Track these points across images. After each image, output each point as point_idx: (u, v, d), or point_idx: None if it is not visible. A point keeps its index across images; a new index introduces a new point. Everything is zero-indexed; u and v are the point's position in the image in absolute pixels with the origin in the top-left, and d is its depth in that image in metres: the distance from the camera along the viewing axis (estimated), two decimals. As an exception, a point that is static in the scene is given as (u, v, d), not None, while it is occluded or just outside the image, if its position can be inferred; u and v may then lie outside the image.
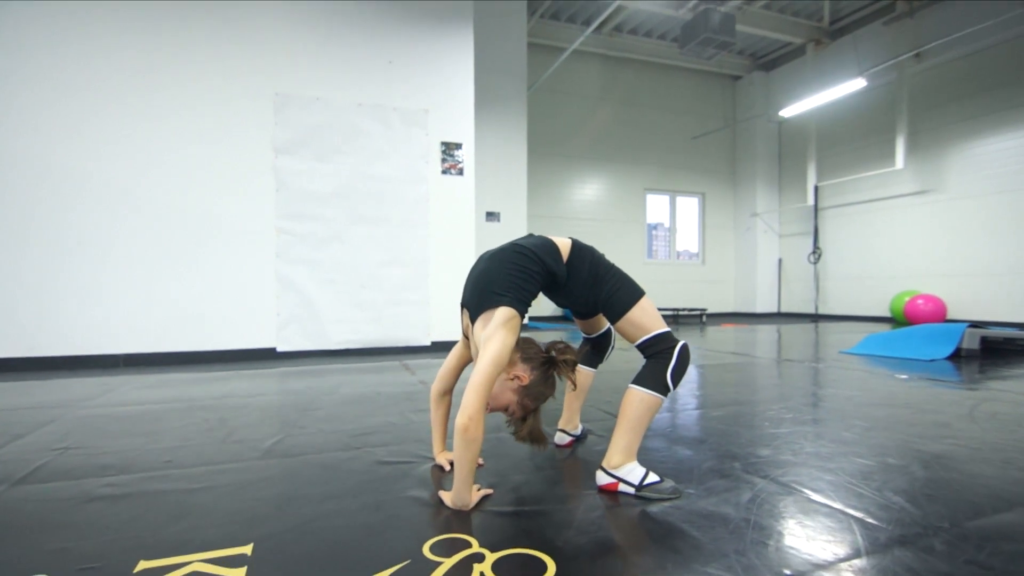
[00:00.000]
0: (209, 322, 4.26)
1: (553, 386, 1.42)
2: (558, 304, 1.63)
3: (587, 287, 1.50)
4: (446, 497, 1.34)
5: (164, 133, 4.14)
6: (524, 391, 1.37)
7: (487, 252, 1.53)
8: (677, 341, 1.44)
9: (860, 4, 8.42)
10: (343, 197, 4.63)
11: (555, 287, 1.52)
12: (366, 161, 4.70)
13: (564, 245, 1.51)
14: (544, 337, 5.94)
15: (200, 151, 4.24)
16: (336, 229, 4.62)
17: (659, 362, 1.42)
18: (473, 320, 1.41)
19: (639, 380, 1.43)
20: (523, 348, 1.40)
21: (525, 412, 1.39)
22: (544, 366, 1.39)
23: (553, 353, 1.39)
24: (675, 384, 1.41)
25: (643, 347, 1.46)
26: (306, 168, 4.52)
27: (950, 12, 7.42)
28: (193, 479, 1.56)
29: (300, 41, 4.53)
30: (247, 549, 1.12)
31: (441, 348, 4.91)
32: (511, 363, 1.36)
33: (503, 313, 1.34)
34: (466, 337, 1.53)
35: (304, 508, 1.34)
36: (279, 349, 4.43)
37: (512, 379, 1.36)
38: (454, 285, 5.02)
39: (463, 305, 1.48)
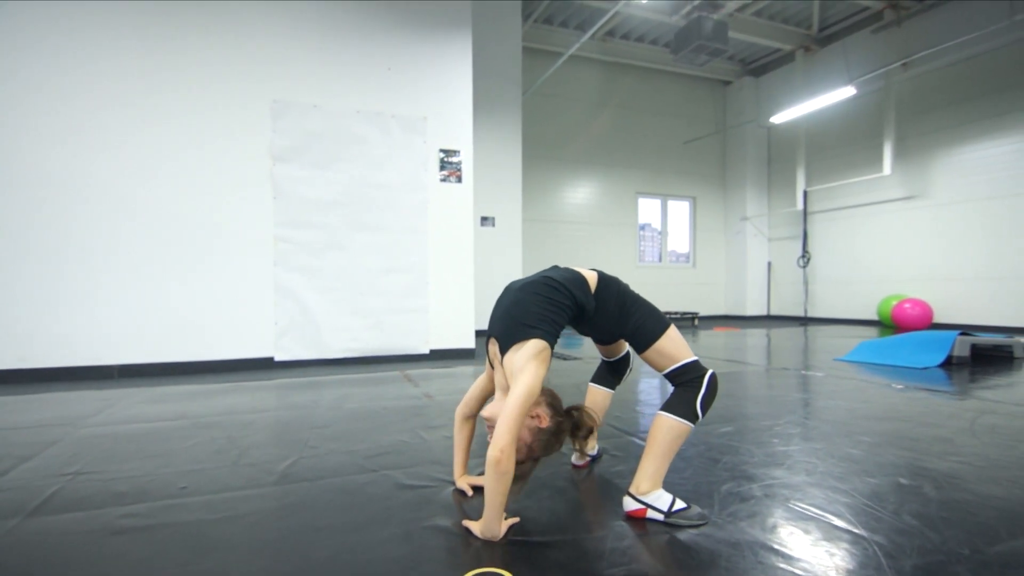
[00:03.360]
0: (206, 331, 4.21)
1: (561, 443, 1.44)
2: (582, 333, 1.65)
3: (614, 318, 1.53)
4: (474, 527, 1.34)
5: (160, 139, 4.08)
6: (538, 433, 1.38)
7: (516, 283, 1.54)
8: (706, 370, 1.47)
9: (849, 12, 8.55)
10: (341, 205, 4.60)
11: (582, 319, 1.54)
12: (365, 168, 4.67)
13: (591, 278, 1.54)
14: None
15: (197, 158, 4.18)
16: (334, 237, 4.58)
17: (689, 390, 1.45)
18: (503, 351, 1.41)
19: (669, 407, 1.45)
20: (549, 394, 1.44)
21: (527, 457, 1.38)
22: (565, 417, 1.43)
23: (575, 412, 1.45)
24: (704, 412, 1.44)
25: (672, 376, 1.49)
26: (304, 175, 4.48)
27: (937, 22, 7.56)
28: (213, 508, 1.55)
29: (298, 48, 4.49)
30: (282, 588, 1.12)
31: (439, 356, 4.90)
32: (536, 401, 1.37)
33: (535, 345, 1.35)
34: (491, 366, 1.53)
35: (331, 540, 1.34)
36: (277, 359, 4.39)
37: (533, 417, 1.37)
38: (453, 293, 5.03)
39: (491, 335, 1.49)
